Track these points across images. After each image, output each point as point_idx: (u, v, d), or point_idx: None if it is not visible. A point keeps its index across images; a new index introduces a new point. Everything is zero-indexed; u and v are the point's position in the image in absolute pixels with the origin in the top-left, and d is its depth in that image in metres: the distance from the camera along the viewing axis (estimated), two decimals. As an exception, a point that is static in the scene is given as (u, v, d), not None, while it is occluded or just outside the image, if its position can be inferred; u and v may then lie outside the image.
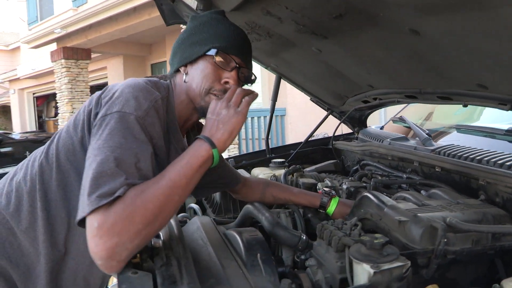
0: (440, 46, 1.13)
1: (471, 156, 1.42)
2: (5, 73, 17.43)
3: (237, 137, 7.77)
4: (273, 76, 2.39)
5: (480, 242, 1.14)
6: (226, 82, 1.14)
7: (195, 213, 1.92)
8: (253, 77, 1.23)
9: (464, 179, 1.49)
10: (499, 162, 1.32)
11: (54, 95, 12.35)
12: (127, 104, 0.98)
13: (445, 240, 1.07)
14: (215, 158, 1.02)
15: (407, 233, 1.14)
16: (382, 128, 2.57)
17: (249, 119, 8.04)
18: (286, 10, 1.37)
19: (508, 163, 1.29)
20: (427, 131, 1.87)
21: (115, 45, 10.46)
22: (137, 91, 1.01)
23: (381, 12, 1.09)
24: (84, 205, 0.86)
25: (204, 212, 1.99)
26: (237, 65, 1.15)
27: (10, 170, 1.19)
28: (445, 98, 1.44)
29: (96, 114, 1.01)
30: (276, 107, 2.43)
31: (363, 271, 1.00)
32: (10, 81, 17.28)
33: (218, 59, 1.13)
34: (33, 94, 17.75)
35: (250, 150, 7.88)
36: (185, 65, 1.18)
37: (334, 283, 1.12)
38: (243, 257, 1.25)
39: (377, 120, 5.43)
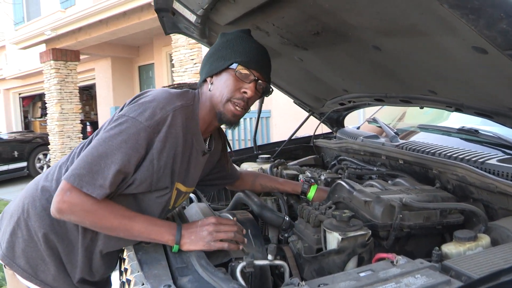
0: (398, 60, 1.40)
1: (426, 150, 1.70)
2: (-11, 73, 17.35)
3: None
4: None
5: (430, 219, 1.40)
6: (245, 92, 1.32)
7: (191, 201, 2.15)
8: (269, 89, 1.42)
9: (423, 170, 1.76)
10: (448, 154, 1.59)
11: (40, 95, 12.40)
12: (143, 114, 1.21)
13: (401, 216, 1.33)
14: (173, 248, 1.26)
15: (371, 211, 1.39)
16: (358, 128, 2.84)
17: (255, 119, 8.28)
18: (273, 26, 1.62)
19: (454, 155, 1.57)
20: (395, 130, 2.15)
21: (104, 47, 10.58)
22: (157, 103, 1.23)
23: (350, 32, 1.35)
24: (73, 174, 1.16)
25: (199, 200, 2.23)
26: (256, 78, 1.34)
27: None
28: (406, 101, 1.71)
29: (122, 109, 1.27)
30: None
31: (333, 239, 1.26)
32: (-5, 81, 17.22)
33: (239, 72, 1.32)
34: (19, 94, 17.70)
35: (238, 151, 8.06)
36: (211, 76, 1.37)
37: (311, 252, 1.38)
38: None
39: (356, 121, 5.71)
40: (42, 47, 10.43)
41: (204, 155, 1.45)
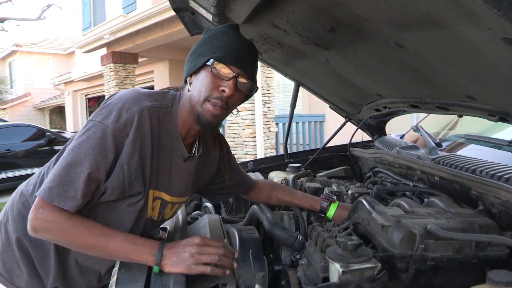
0: (424, 59, 1.18)
1: (466, 166, 1.44)
2: (61, 75, 18.47)
3: (274, 141, 7.88)
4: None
5: (462, 250, 1.15)
6: (223, 91, 1.18)
7: (210, 212, 2.03)
8: (254, 88, 1.26)
9: (464, 189, 1.50)
10: (491, 172, 1.33)
11: (104, 96, 12.93)
12: (109, 116, 1.13)
13: (423, 246, 1.11)
14: (154, 269, 1.13)
15: (389, 237, 1.18)
16: (403, 136, 2.58)
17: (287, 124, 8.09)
18: (287, 23, 1.46)
19: (498, 174, 1.30)
20: (437, 141, 1.89)
21: (161, 50, 10.80)
22: (123, 103, 1.15)
23: (365, 27, 1.16)
24: (44, 188, 1.09)
25: (218, 211, 2.10)
26: (235, 75, 1.19)
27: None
28: (443, 108, 1.47)
29: None
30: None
31: (335, 270, 1.07)
32: (65, 83, 18.26)
33: (215, 68, 1.18)
34: (86, 95, 18.69)
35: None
36: (191, 76, 1.27)
37: (317, 281, 1.19)
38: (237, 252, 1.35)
39: (407, 128, 5.34)
40: (104, 51, 10.88)
41: (186, 162, 1.31)
